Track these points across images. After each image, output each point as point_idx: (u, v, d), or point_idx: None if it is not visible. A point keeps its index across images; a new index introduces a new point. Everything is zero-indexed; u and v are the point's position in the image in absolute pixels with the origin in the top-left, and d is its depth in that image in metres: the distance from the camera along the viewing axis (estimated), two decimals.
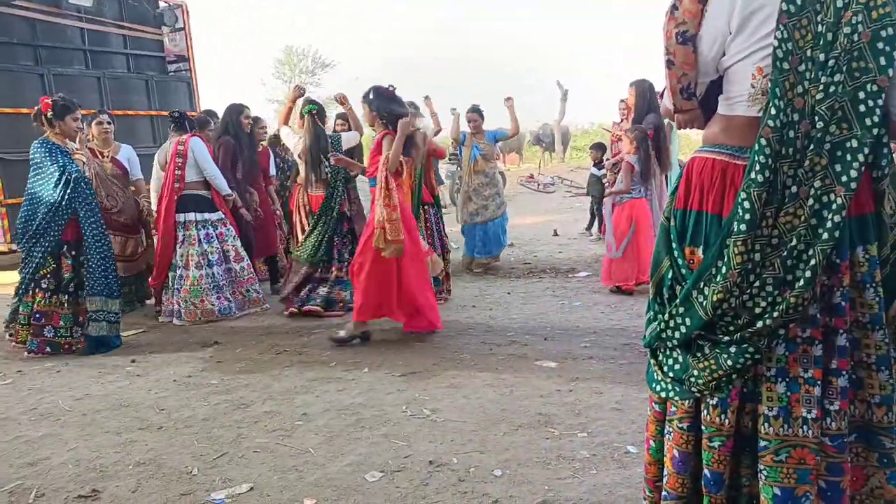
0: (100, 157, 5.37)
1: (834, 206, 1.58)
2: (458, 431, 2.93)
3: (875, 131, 1.57)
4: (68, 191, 4.34)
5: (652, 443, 1.91)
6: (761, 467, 1.67)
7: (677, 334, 1.77)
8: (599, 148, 8.81)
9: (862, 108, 1.56)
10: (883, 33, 1.53)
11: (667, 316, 1.79)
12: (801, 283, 1.60)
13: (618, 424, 2.94)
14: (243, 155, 5.58)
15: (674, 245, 1.82)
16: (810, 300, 1.62)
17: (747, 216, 1.63)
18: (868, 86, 1.56)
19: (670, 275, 1.82)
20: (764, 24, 1.65)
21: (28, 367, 4.13)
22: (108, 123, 5.45)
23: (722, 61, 1.77)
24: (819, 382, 1.63)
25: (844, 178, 1.58)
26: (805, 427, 1.63)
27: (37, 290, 4.40)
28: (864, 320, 1.66)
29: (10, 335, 4.58)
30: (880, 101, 1.56)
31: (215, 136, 5.59)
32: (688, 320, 1.74)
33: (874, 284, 1.65)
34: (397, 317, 4.44)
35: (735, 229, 1.65)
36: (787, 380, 1.66)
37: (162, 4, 9.01)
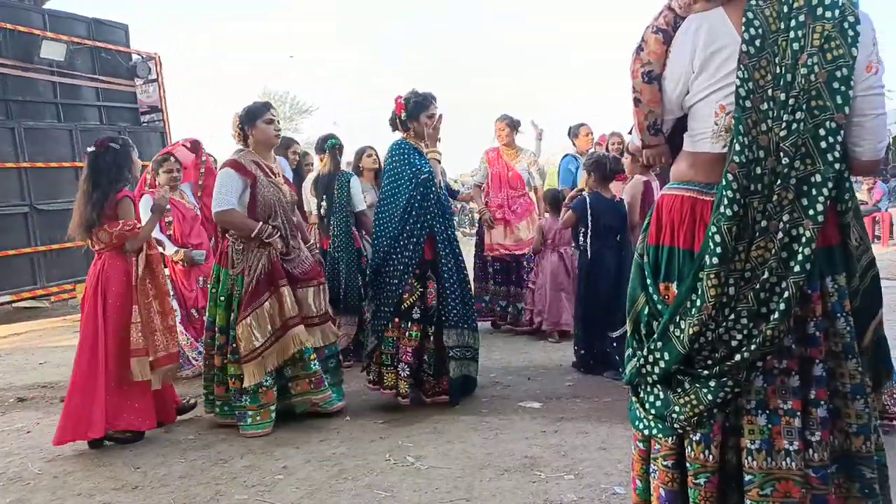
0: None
1: (803, 240, 1.62)
2: (443, 479, 2.87)
3: (837, 166, 1.63)
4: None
5: (638, 483, 1.89)
6: (748, 502, 1.65)
7: (657, 369, 1.77)
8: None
9: (823, 144, 1.62)
10: (838, 73, 1.60)
11: (645, 351, 1.79)
12: (777, 315, 1.62)
13: (604, 465, 2.91)
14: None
15: (648, 281, 1.85)
16: (786, 332, 1.64)
17: (718, 249, 1.66)
18: (827, 123, 1.62)
19: (647, 311, 1.84)
20: (725, 64, 1.71)
21: None
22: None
23: (686, 99, 1.83)
24: (799, 413, 1.64)
25: (812, 212, 1.63)
26: (788, 459, 1.63)
27: (412, 324, 3.77)
28: (837, 350, 1.68)
29: (373, 381, 3.91)
30: (839, 138, 1.62)
31: None
32: (666, 355, 1.74)
33: (844, 314, 1.68)
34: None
35: (707, 263, 1.67)
36: (768, 412, 1.66)
37: (135, 57, 9.06)
